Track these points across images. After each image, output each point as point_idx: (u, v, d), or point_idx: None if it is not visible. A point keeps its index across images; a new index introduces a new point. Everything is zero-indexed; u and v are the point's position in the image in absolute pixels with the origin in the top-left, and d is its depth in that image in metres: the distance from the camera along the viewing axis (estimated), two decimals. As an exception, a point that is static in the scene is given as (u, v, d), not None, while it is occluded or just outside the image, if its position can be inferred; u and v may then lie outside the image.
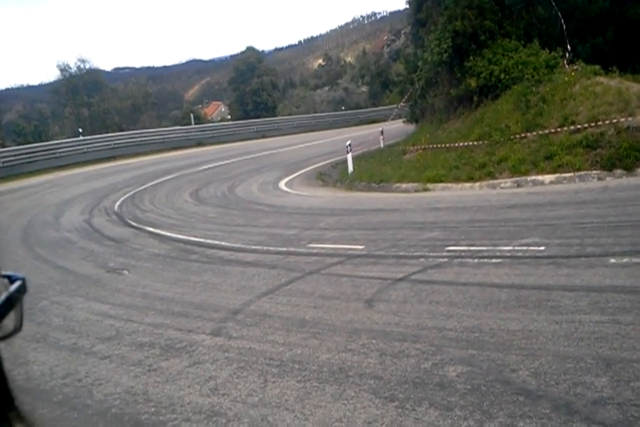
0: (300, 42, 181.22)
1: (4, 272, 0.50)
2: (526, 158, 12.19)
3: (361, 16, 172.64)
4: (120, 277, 7.55)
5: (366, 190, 14.34)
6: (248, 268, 7.32)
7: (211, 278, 7.01)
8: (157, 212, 12.83)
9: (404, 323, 4.76)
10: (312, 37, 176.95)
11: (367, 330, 4.71)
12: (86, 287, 7.11)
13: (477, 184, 12.31)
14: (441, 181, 12.96)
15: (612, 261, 5.61)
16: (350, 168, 16.65)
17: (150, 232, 10.36)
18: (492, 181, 12.18)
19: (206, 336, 5.02)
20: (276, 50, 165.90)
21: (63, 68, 50.85)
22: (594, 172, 11.05)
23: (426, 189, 12.84)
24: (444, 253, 6.81)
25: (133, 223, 11.41)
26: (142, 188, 17.20)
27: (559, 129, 12.28)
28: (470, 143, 13.92)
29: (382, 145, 21.00)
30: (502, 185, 11.88)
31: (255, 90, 52.98)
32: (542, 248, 6.42)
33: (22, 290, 0.55)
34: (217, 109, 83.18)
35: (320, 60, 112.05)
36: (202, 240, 9.24)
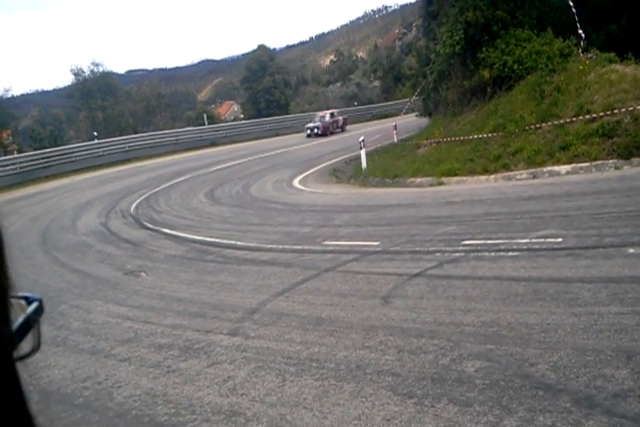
0: (311, 38, 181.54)
1: (20, 293, 0.50)
2: (542, 149, 12.06)
3: (372, 10, 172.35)
4: (137, 279, 7.60)
5: (380, 186, 14.29)
6: (264, 267, 7.33)
7: (227, 278, 7.03)
8: (173, 213, 12.90)
9: (421, 319, 4.74)
10: (323, 33, 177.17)
11: (384, 327, 4.69)
12: (104, 290, 7.17)
13: (493, 176, 12.21)
14: (456, 175, 12.87)
15: (631, 251, 5.53)
16: (364, 164, 16.59)
17: (166, 234, 10.41)
18: (507, 173, 12.07)
19: (224, 336, 5.04)
20: (288, 47, 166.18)
21: (77, 73, 51.28)
22: (610, 161, 10.90)
23: (440, 183, 12.76)
24: (460, 248, 6.76)
25: (149, 225, 11.48)
26: (157, 189, 17.30)
27: (574, 118, 12.13)
28: (484, 135, 13.80)
29: (396, 140, 20.91)
30: (518, 177, 11.76)
31: (267, 88, 53.03)
32: (559, 240, 6.34)
33: (39, 311, 0.56)
34: (230, 109, 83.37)
35: (332, 56, 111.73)
36: (217, 240, 9.27)
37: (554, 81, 13.61)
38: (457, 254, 6.51)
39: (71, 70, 52.64)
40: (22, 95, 77.07)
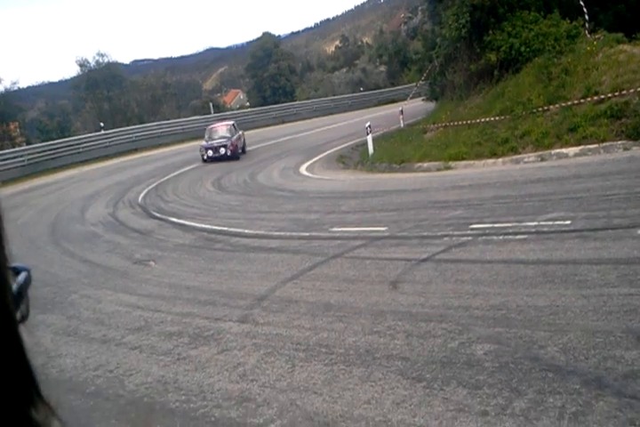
0: (315, 24, 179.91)
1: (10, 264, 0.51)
2: (549, 131, 11.95)
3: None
4: (146, 268, 7.64)
5: (388, 171, 14.23)
6: (272, 254, 7.34)
7: (236, 266, 7.05)
8: (180, 202, 12.92)
9: (429, 303, 4.74)
10: (328, 19, 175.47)
11: (393, 312, 4.70)
12: (114, 280, 7.22)
13: (500, 160, 12.13)
14: (463, 159, 12.79)
15: (640, 232, 5.49)
16: (371, 150, 16.53)
17: (174, 223, 10.44)
18: (515, 157, 11.98)
19: (233, 324, 5.06)
20: (292, 34, 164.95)
21: (82, 64, 51.13)
22: (619, 142, 10.78)
23: (448, 168, 12.69)
24: (469, 232, 6.73)
25: (157, 214, 11.52)
26: (165, 179, 17.32)
27: (582, 100, 11.99)
28: (492, 119, 13.69)
29: (402, 125, 20.78)
30: (526, 160, 11.67)
31: (273, 75, 52.76)
32: (568, 222, 6.30)
33: (28, 281, 0.58)
34: (236, 97, 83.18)
35: (337, 42, 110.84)
36: (225, 229, 9.29)
37: (561, 63, 13.44)
38: (465, 238, 6.49)
39: (76, 61, 52.49)
40: (29, 87, 76.99)
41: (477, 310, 4.40)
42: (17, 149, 28.73)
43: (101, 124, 34.37)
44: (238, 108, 55.01)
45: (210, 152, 20.16)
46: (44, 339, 5.24)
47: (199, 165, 19.87)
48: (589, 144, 11.05)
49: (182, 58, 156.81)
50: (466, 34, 15.82)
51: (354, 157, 17.81)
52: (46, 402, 0.50)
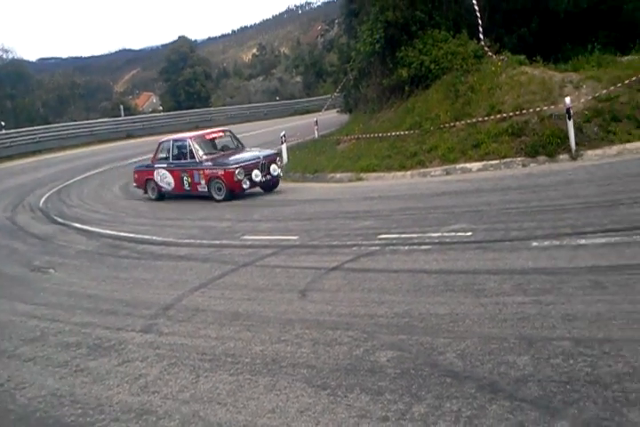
0: (233, 31, 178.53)
1: None
2: (455, 147, 12.46)
3: (295, 6, 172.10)
4: (45, 275, 7.27)
5: (301, 181, 14.33)
6: (180, 262, 7.20)
7: (141, 274, 6.85)
8: (85, 207, 12.41)
9: (337, 311, 4.79)
10: (246, 27, 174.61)
11: (301, 320, 4.72)
12: (9, 287, 6.82)
13: (409, 173, 12.51)
14: (374, 171, 13.10)
15: (535, 244, 5.82)
16: (285, 159, 16.58)
17: (77, 228, 10.01)
18: (422, 170, 12.40)
19: (136, 334, 4.90)
20: (209, 39, 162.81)
21: (-17, 59, 48.32)
22: (518, 159, 11.43)
23: (359, 179, 12.95)
24: (377, 242, 6.89)
25: (59, 219, 11.01)
26: (69, 182, 16.60)
27: (486, 118, 12.62)
28: (402, 133, 14.11)
29: (317, 135, 20.97)
30: (432, 173, 12.12)
31: (188, 80, 51.98)
32: (469, 234, 6.59)
33: None
34: (148, 100, 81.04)
35: (254, 50, 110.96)
36: (132, 235, 9.01)
37: (468, 81, 14.07)
38: (373, 248, 6.64)
39: (-23, 56, 49.51)
40: None
41: (382, 317, 4.50)
42: None
43: (2, 124, 32.49)
44: (151, 112, 53.69)
45: (257, 174, 11.88)
46: None
47: (107, 169, 19.18)
48: (491, 160, 11.63)
49: (93, 58, 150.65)
50: (379, 49, 16.23)
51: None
52: None
